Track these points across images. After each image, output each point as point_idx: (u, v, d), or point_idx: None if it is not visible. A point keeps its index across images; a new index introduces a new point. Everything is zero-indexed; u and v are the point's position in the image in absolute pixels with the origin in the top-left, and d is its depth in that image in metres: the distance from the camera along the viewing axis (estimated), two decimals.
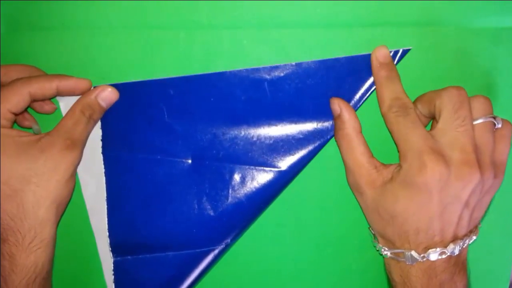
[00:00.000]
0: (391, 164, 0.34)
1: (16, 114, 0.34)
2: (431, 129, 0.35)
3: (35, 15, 0.38)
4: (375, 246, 0.35)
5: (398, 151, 0.33)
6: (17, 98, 0.33)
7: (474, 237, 0.34)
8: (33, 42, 0.38)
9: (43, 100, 0.36)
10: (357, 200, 0.36)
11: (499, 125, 0.33)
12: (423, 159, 0.31)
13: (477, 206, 0.33)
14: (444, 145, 0.32)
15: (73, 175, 0.35)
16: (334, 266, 0.41)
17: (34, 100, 0.34)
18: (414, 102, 0.35)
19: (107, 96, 0.36)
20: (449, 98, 0.32)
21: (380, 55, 0.35)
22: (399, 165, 0.33)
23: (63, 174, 0.34)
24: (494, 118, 0.33)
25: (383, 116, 0.34)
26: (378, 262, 0.40)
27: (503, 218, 0.40)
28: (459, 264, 0.33)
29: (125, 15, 0.37)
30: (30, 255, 0.33)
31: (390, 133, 0.34)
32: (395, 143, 0.33)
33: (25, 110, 0.36)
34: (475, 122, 0.33)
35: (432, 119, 0.36)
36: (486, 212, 0.34)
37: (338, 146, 0.36)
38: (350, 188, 0.36)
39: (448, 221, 0.32)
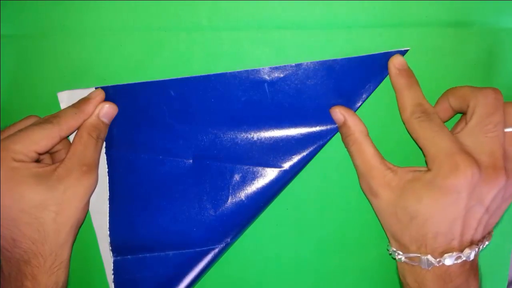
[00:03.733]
0: (405, 167, 0.34)
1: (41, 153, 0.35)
2: (456, 127, 0.35)
3: (35, 16, 0.38)
4: (388, 250, 0.35)
5: (425, 155, 0.33)
6: (46, 142, 0.34)
7: (487, 242, 0.33)
8: (34, 44, 0.38)
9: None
10: (371, 204, 0.35)
11: None
12: (455, 160, 0.31)
13: (496, 211, 0.33)
14: (472, 148, 0.32)
15: (90, 199, 0.36)
16: (334, 266, 0.41)
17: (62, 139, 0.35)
18: (446, 94, 0.35)
19: (107, 112, 0.37)
20: (484, 101, 0.32)
21: (397, 62, 0.35)
22: (426, 168, 0.32)
23: (81, 200, 0.35)
24: None
25: (405, 122, 0.34)
26: (378, 262, 0.40)
27: (501, 217, 0.40)
28: (473, 268, 0.33)
29: (126, 17, 0.38)
30: (51, 276, 0.34)
31: (414, 139, 0.33)
32: (421, 148, 0.33)
33: None
34: (507, 130, 0.32)
35: (462, 113, 0.35)
36: (500, 219, 0.34)
37: (349, 152, 0.36)
38: (364, 192, 0.35)
39: (468, 225, 0.32)
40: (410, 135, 0.34)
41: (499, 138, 0.32)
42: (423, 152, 0.33)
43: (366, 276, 0.41)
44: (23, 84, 0.39)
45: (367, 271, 0.41)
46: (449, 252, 0.32)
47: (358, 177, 0.36)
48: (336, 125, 0.36)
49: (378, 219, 0.35)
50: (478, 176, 0.31)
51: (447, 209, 0.31)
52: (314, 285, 0.41)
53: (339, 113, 0.35)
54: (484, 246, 0.33)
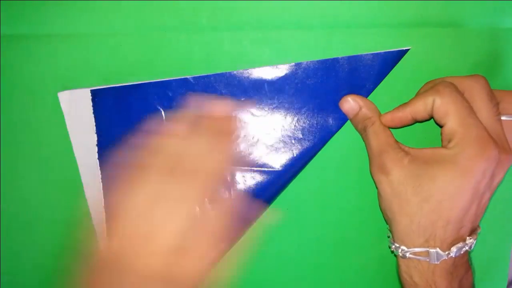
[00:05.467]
0: (418, 148, 0.33)
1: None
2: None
3: (35, 16, 0.38)
4: (390, 247, 0.34)
5: (447, 133, 0.31)
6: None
7: (479, 230, 0.33)
8: (34, 44, 0.38)
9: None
10: (379, 188, 0.33)
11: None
12: (485, 142, 0.30)
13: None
14: (489, 130, 0.31)
15: None
16: (334, 266, 0.41)
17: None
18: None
19: None
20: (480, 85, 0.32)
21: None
22: (447, 147, 0.31)
23: None
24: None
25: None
26: (378, 262, 0.40)
27: (501, 217, 0.40)
28: (468, 257, 0.33)
29: (126, 18, 0.38)
30: None
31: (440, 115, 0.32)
32: (443, 124, 0.32)
33: None
34: (504, 118, 0.33)
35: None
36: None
37: (364, 135, 0.35)
38: (373, 175, 0.34)
39: (479, 212, 0.31)
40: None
41: (500, 122, 0.32)
42: (448, 131, 0.31)
43: (366, 276, 0.41)
44: (23, 84, 0.39)
45: (367, 271, 0.41)
46: (457, 244, 0.31)
47: (370, 160, 0.34)
48: (336, 122, 0.36)
49: (383, 207, 0.34)
50: (498, 160, 0.30)
51: (464, 193, 0.30)
52: (314, 285, 0.41)
53: (353, 101, 0.35)
54: (477, 235, 0.32)
